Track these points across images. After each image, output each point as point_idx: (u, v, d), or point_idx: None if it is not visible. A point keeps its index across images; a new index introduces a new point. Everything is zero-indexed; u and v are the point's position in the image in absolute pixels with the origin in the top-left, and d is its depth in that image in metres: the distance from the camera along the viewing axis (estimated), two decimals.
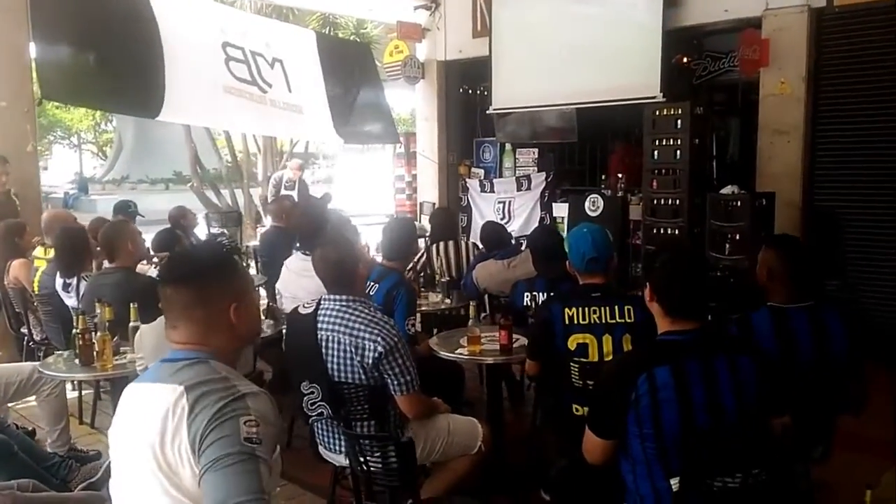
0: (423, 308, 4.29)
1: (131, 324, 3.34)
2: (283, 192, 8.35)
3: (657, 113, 6.22)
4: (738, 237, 5.49)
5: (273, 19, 9.17)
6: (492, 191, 8.49)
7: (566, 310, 2.88)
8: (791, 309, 2.60)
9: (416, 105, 9.45)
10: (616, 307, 2.86)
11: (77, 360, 3.26)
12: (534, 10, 7.43)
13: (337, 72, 7.15)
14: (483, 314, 4.84)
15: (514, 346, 3.33)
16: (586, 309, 2.87)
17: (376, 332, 2.64)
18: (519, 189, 8.25)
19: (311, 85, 6.60)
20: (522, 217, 8.09)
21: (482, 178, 8.67)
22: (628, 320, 2.84)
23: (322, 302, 2.77)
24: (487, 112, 8.07)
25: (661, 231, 6.14)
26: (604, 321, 2.85)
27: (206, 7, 5.98)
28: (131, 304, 3.35)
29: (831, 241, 5.70)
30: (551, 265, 3.62)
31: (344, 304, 2.73)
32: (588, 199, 7.45)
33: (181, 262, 1.72)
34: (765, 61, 5.93)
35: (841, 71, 5.70)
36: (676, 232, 6.08)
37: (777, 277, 2.65)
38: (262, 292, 5.47)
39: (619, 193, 7.49)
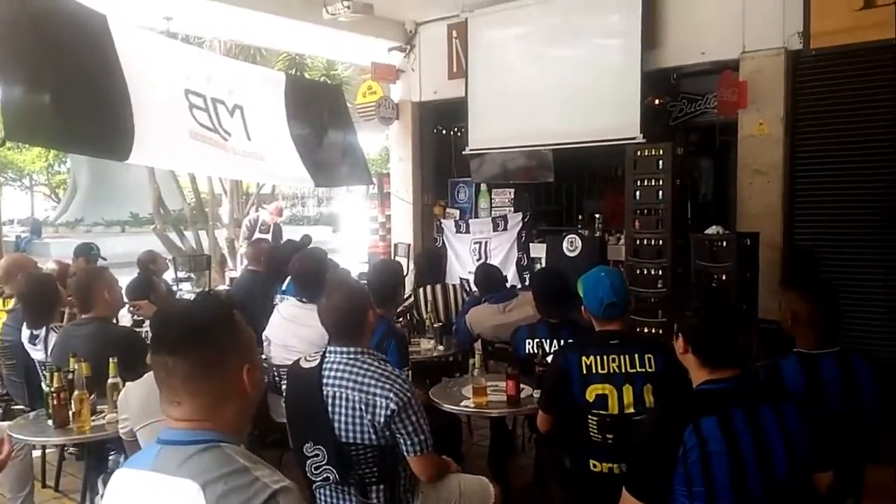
0: (414, 357, 4.10)
1: (110, 380, 3.09)
2: (257, 235, 8.11)
3: (639, 153, 6.21)
4: (724, 277, 5.45)
5: (240, 61, 9.02)
6: (467, 231, 8.38)
7: (584, 358, 2.75)
8: (820, 356, 2.51)
9: (390, 145, 9.36)
10: (636, 355, 2.74)
11: (50, 422, 2.99)
12: (510, 52, 7.45)
13: (306, 114, 6.98)
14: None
15: (521, 396, 3.18)
16: (605, 357, 2.74)
17: (388, 387, 2.46)
18: (495, 229, 8.16)
19: (273, 130, 6.41)
20: (499, 258, 7.97)
21: (457, 218, 8.57)
22: (649, 370, 2.73)
23: (327, 354, 2.57)
24: (463, 153, 8.00)
25: (645, 272, 6.09)
26: (623, 370, 2.73)
27: (170, 50, 5.77)
28: (110, 359, 3.11)
29: (812, 280, 5.71)
30: (556, 309, 3.51)
31: (352, 356, 2.54)
32: (566, 239, 7.39)
33: (180, 324, 1.41)
34: (743, 103, 6.00)
35: (818, 112, 5.79)
36: (660, 273, 6.02)
37: (803, 322, 2.56)
38: None
39: (597, 233, 7.46)
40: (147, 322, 4.10)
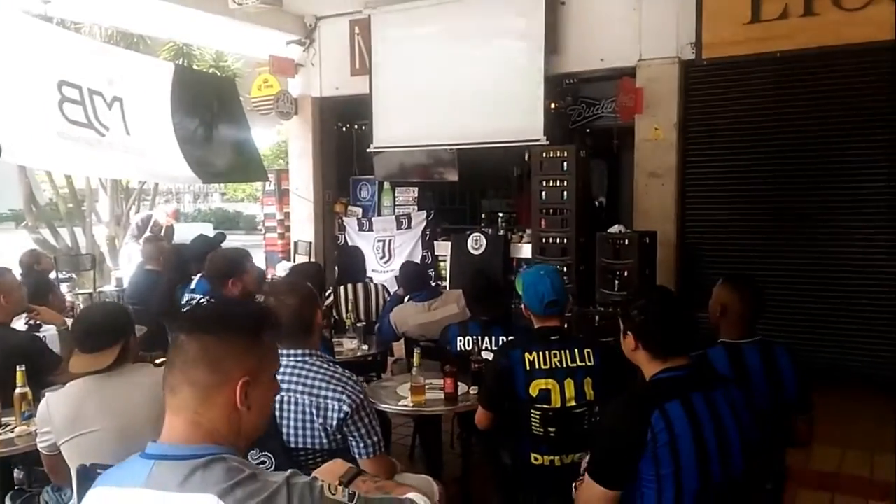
0: (338, 357, 4.02)
1: (18, 390, 2.83)
2: (147, 235, 7.64)
3: (544, 155, 6.41)
4: (626, 273, 5.73)
5: (122, 48, 8.47)
6: (370, 229, 8.32)
7: (527, 355, 2.81)
8: (744, 345, 2.68)
9: (288, 141, 9.11)
10: (576, 350, 2.84)
11: None
12: (416, 50, 7.45)
13: (194, 107, 6.68)
14: (396, 358, 4.68)
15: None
16: (547, 353, 2.81)
17: (340, 389, 2.39)
18: (399, 228, 8.15)
19: (155, 124, 6.09)
20: (403, 256, 7.98)
21: (360, 216, 8.48)
22: (588, 363, 2.83)
23: None
24: (367, 150, 7.93)
25: None
26: (565, 365, 2.81)
27: (46, 37, 5.33)
28: (17, 367, 2.84)
29: (694, 274, 6.13)
30: (486, 306, 3.55)
31: (300, 359, 2.45)
32: (471, 237, 7.51)
33: (210, 309, 1.41)
34: (639, 109, 6.31)
35: (708, 118, 6.19)
36: (565, 269, 6.23)
37: (730, 314, 2.73)
38: None
39: (501, 232, 7.62)
40: (45, 326, 3.78)
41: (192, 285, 4.85)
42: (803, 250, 5.82)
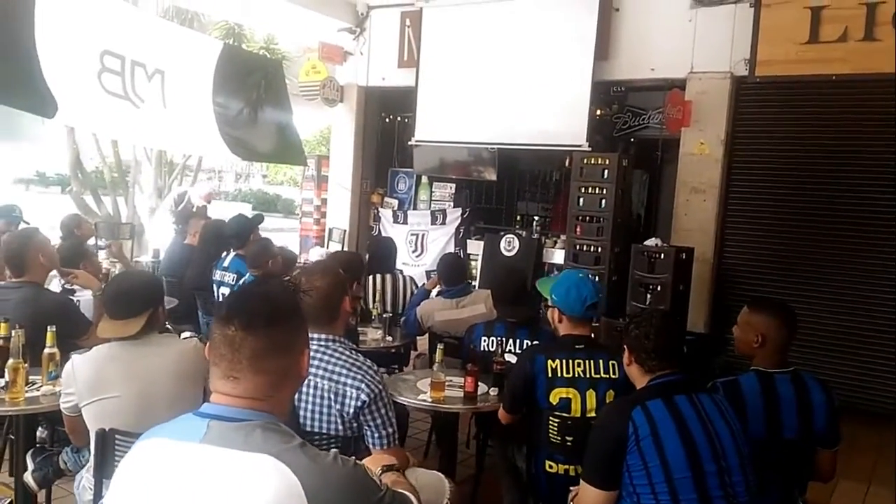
0: (361, 346, 4.03)
1: (47, 350, 2.88)
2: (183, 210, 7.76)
3: (585, 161, 6.34)
4: (659, 288, 5.64)
5: (174, 24, 8.60)
6: (405, 222, 8.33)
7: (550, 362, 2.78)
8: (777, 374, 2.61)
9: (331, 128, 9.16)
10: (601, 361, 2.80)
11: None
12: (464, 47, 7.42)
13: (241, 85, 6.76)
14: (419, 353, 4.67)
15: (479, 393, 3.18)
16: (571, 361, 2.78)
17: (360, 377, 2.39)
18: (433, 223, 8.14)
19: (194, 99, 6.17)
20: (435, 251, 7.96)
21: (396, 208, 8.49)
22: (612, 376, 2.79)
23: None
24: (409, 143, 7.93)
25: None
26: (588, 375, 2.78)
27: (96, 6, 5.43)
28: (48, 328, 2.89)
29: (736, 298, 6.00)
30: (515, 309, 3.51)
31: (323, 344, 2.45)
32: (504, 238, 7.47)
33: (262, 301, 1.43)
34: (686, 122, 6.20)
35: (757, 136, 6.07)
36: (597, 279, 6.15)
37: (770, 344, 2.63)
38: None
39: (535, 235, 7.56)
40: (80, 291, 3.85)
41: (226, 262, 4.91)
42: (845, 278, 5.67)
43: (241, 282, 4.61)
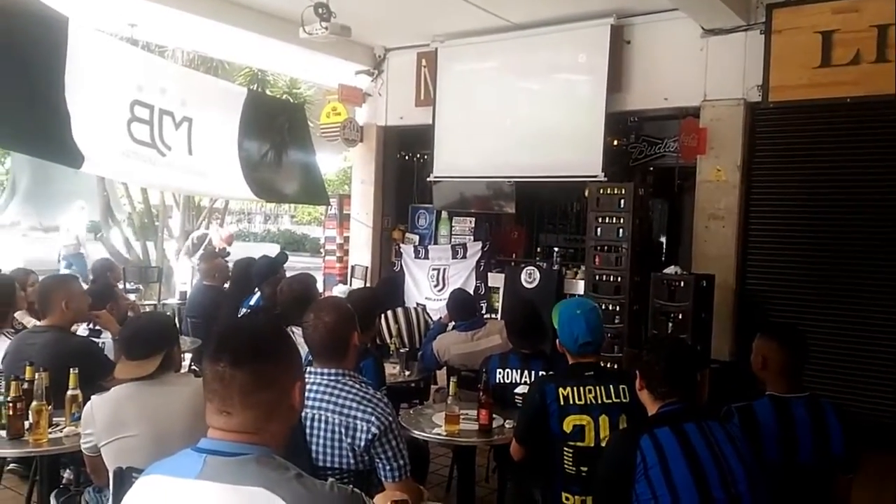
0: None
1: (70, 392, 2.96)
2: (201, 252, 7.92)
3: (601, 192, 6.37)
4: (680, 317, 5.59)
5: (200, 73, 8.89)
6: (426, 257, 8.38)
7: (561, 390, 2.79)
8: (792, 399, 2.59)
9: (352, 167, 9.33)
10: (611, 387, 2.81)
11: (3, 433, 2.84)
12: (479, 84, 7.55)
13: (267, 129, 6.92)
14: (439, 387, 4.68)
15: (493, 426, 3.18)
16: (581, 389, 2.79)
17: (370, 410, 2.42)
18: (454, 257, 8.18)
19: (220, 145, 6.32)
20: (457, 285, 7.92)
21: (417, 244, 8.56)
22: (624, 400, 2.79)
23: (307, 376, 2.52)
24: (427, 180, 8.04)
25: (603, 307, 6.17)
26: (600, 401, 2.78)
27: (128, 58, 5.64)
28: (71, 370, 2.98)
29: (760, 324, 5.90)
30: (529, 340, 3.52)
31: (332, 378, 2.49)
32: (525, 270, 7.48)
33: (247, 336, 1.47)
34: (702, 149, 6.21)
35: (773, 161, 6.04)
36: (618, 308, 6.15)
37: (771, 365, 2.64)
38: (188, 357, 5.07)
39: (555, 266, 7.56)
40: (104, 333, 3.96)
41: (252, 301, 5.01)
42: (868, 303, 5.57)
43: None
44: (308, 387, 2.48)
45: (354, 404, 2.43)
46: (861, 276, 5.62)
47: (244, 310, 4.98)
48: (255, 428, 1.37)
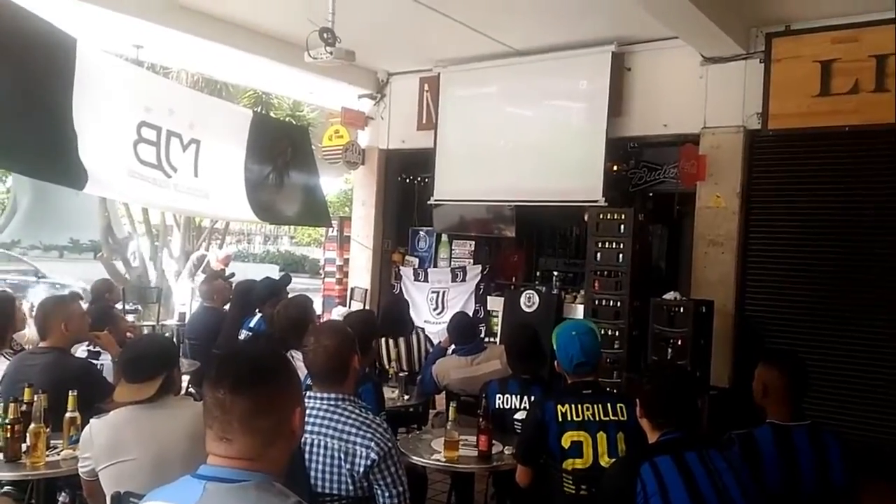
0: None
1: (68, 414, 2.96)
2: (199, 274, 7.94)
3: (601, 216, 6.39)
4: (679, 342, 5.59)
5: (207, 95, 8.96)
6: (426, 280, 8.39)
7: (559, 406, 2.85)
8: (793, 428, 2.58)
9: (353, 190, 9.36)
10: (609, 405, 2.86)
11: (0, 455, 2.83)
12: (481, 108, 7.60)
13: (267, 152, 6.95)
14: (438, 412, 4.66)
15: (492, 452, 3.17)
16: (580, 406, 2.84)
17: (369, 436, 2.42)
18: (454, 280, 8.20)
19: (226, 167, 6.36)
20: (456, 308, 7.95)
21: (416, 266, 8.58)
22: (621, 418, 2.84)
23: (306, 401, 2.51)
24: (428, 203, 8.07)
25: (603, 332, 6.16)
26: (597, 418, 2.83)
27: (136, 80, 5.68)
28: (70, 392, 2.97)
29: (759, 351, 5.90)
30: (528, 365, 3.52)
31: (332, 403, 2.49)
32: (524, 294, 7.47)
33: (246, 363, 1.47)
34: (702, 176, 6.23)
35: (772, 188, 6.06)
36: (617, 333, 6.14)
37: (772, 393, 2.64)
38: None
39: (555, 291, 7.56)
40: (104, 355, 3.95)
41: (252, 323, 5.00)
42: (867, 330, 5.57)
43: None
44: (307, 411, 2.48)
45: (354, 429, 2.43)
46: (860, 303, 5.62)
47: (244, 332, 4.97)
48: (255, 454, 1.37)
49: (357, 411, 2.50)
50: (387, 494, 2.41)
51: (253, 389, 1.39)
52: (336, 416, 2.46)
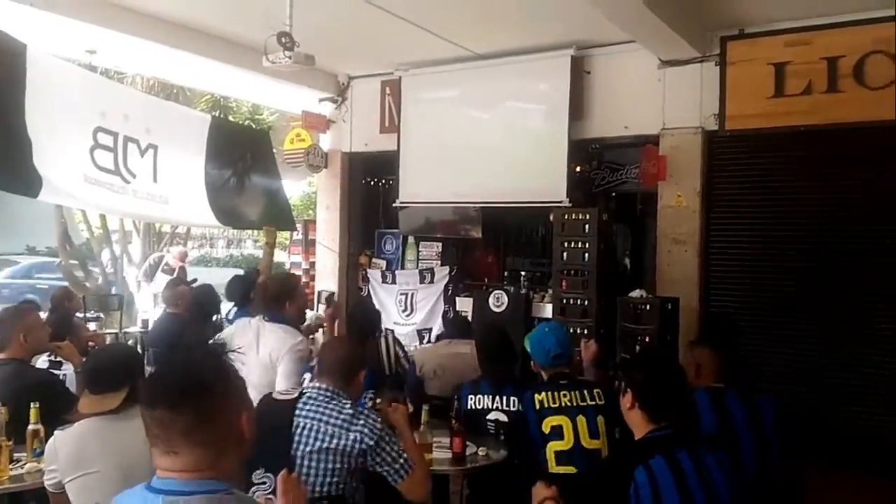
0: None
1: (31, 426, 2.88)
2: (158, 275, 7.82)
3: (566, 217, 6.47)
4: (647, 339, 5.68)
5: (162, 100, 8.83)
6: (394, 282, 8.38)
7: (536, 395, 2.95)
8: (725, 389, 2.85)
9: (317, 193, 9.30)
10: (585, 391, 2.99)
11: None
12: (443, 111, 7.62)
13: (228, 156, 6.90)
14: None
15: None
16: (556, 393, 2.96)
17: (361, 422, 2.51)
18: (422, 282, 8.19)
19: (186, 172, 6.29)
20: (425, 310, 8.02)
21: (384, 269, 8.56)
22: (599, 402, 2.95)
23: (306, 391, 2.61)
24: (393, 205, 8.06)
25: (571, 331, 6.21)
26: (575, 403, 2.95)
27: (90, 85, 5.58)
28: (32, 404, 2.90)
29: (728, 343, 6.02)
30: (500, 365, 3.55)
31: (330, 393, 2.57)
32: (493, 294, 7.50)
33: (180, 377, 1.40)
34: (662, 176, 6.35)
35: (731, 187, 6.22)
36: (585, 332, 6.20)
37: (705, 371, 2.92)
38: None
39: (523, 290, 7.61)
40: (65, 365, 3.85)
41: (231, 315, 4.96)
42: (827, 320, 5.73)
43: None
44: (304, 399, 2.55)
45: (348, 417, 2.50)
46: (819, 296, 5.78)
47: (227, 324, 4.92)
48: (206, 465, 1.33)
49: (349, 403, 2.59)
50: (392, 470, 2.51)
51: (189, 405, 1.33)
52: (332, 406, 2.54)
